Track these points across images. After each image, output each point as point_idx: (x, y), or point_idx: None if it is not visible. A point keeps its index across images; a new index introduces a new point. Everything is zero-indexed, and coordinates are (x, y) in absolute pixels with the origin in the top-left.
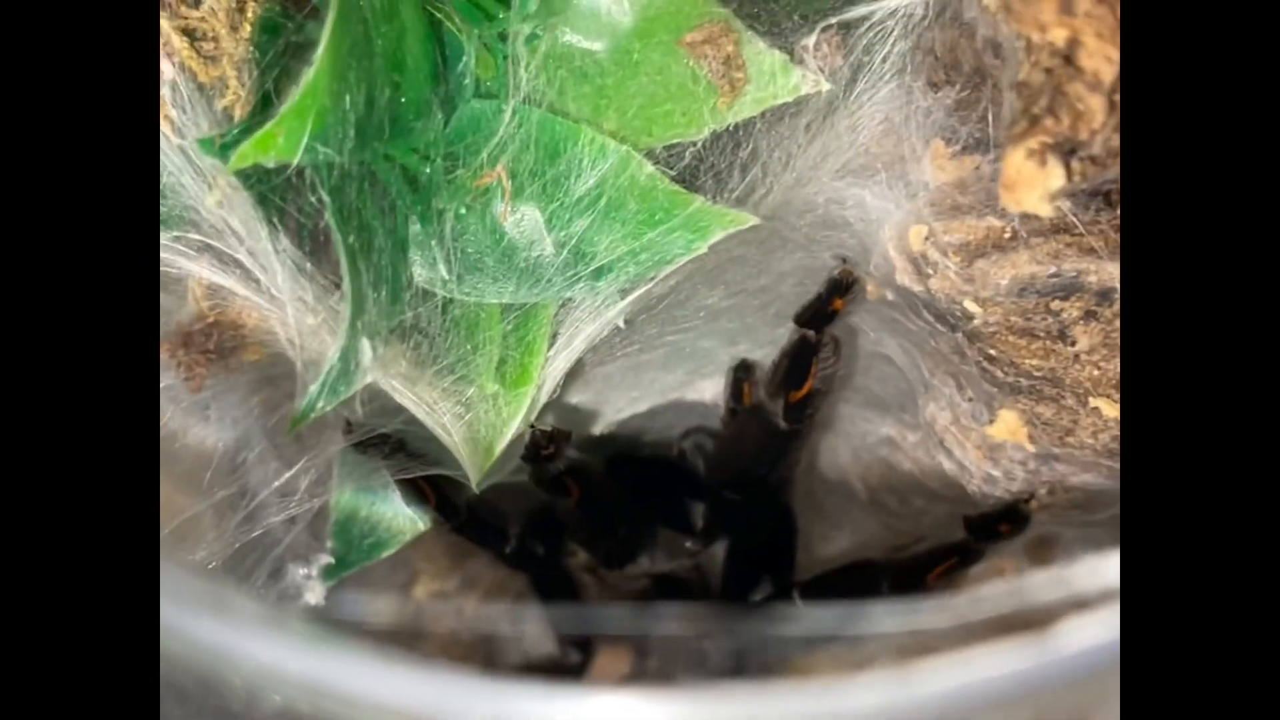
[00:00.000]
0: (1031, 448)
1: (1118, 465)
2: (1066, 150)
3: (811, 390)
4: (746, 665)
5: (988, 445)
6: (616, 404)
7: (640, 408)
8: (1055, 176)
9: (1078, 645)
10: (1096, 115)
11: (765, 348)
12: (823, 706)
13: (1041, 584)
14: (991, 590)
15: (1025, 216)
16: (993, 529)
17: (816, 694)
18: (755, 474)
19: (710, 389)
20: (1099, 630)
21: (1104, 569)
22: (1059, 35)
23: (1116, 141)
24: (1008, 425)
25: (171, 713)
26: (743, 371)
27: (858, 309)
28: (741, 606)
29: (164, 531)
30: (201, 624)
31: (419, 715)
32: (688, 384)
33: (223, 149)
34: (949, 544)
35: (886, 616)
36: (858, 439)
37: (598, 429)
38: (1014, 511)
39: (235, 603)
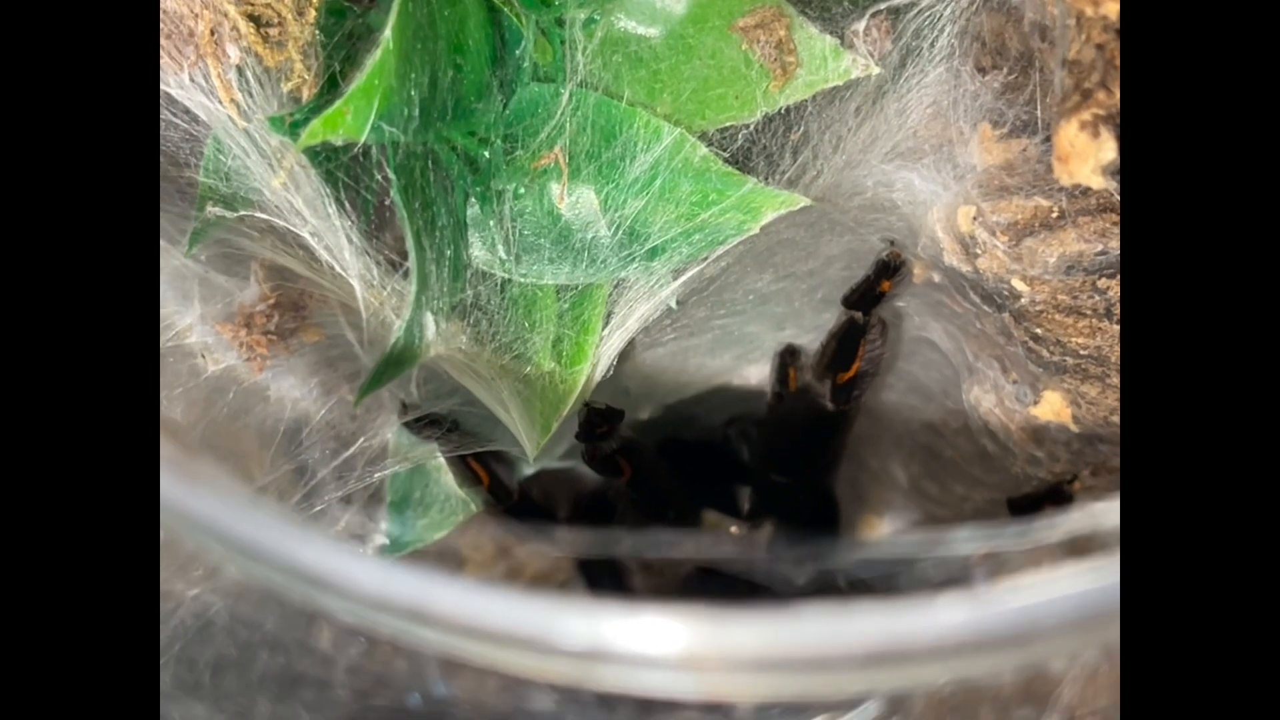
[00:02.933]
0: (1075, 428)
1: None
2: (1119, 122)
3: (859, 372)
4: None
5: (1031, 427)
6: (664, 389)
7: (687, 393)
8: (1108, 149)
9: None
10: None
11: (811, 333)
12: (899, 626)
13: (1115, 509)
14: (1067, 515)
15: (1073, 195)
16: (1036, 510)
17: (893, 613)
18: (803, 456)
19: (755, 374)
20: None
21: None
22: (1112, 8)
23: None
24: (1052, 406)
25: (267, 661)
26: (789, 356)
27: (904, 292)
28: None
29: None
30: (303, 550)
31: (509, 636)
32: (734, 370)
33: (293, 127)
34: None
35: (966, 541)
36: (899, 425)
37: (645, 414)
38: (1057, 493)
39: (332, 535)
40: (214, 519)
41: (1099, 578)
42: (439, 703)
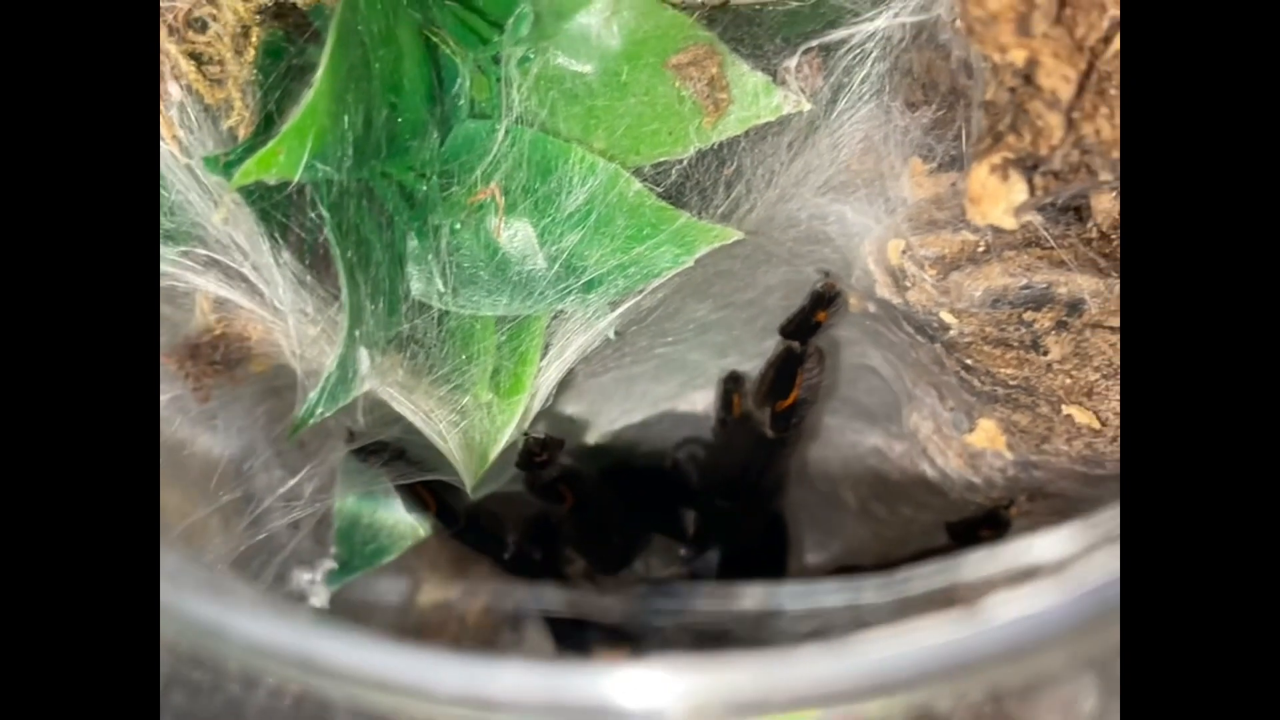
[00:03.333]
0: (1010, 455)
1: (1093, 472)
2: (1029, 165)
3: (797, 400)
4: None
5: (968, 453)
6: (610, 415)
7: (633, 418)
8: (1018, 190)
9: (1010, 615)
10: (1055, 132)
11: (754, 360)
12: (769, 675)
13: (978, 560)
14: (930, 566)
15: (997, 230)
16: (974, 534)
17: (764, 663)
18: (745, 482)
19: (702, 400)
20: (1031, 602)
21: (1035, 545)
22: (1018, 56)
23: (1076, 156)
24: (987, 433)
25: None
26: (732, 383)
27: (842, 321)
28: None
29: (172, 535)
30: (197, 605)
31: (406, 689)
32: (679, 395)
33: (227, 167)
34: (932, 549)
35: (831, 593)
36: (847, 449)
37: (592, 439)
38: (994, 517)
39: (230, 585)
40: None
41: (956, 628)
42: None
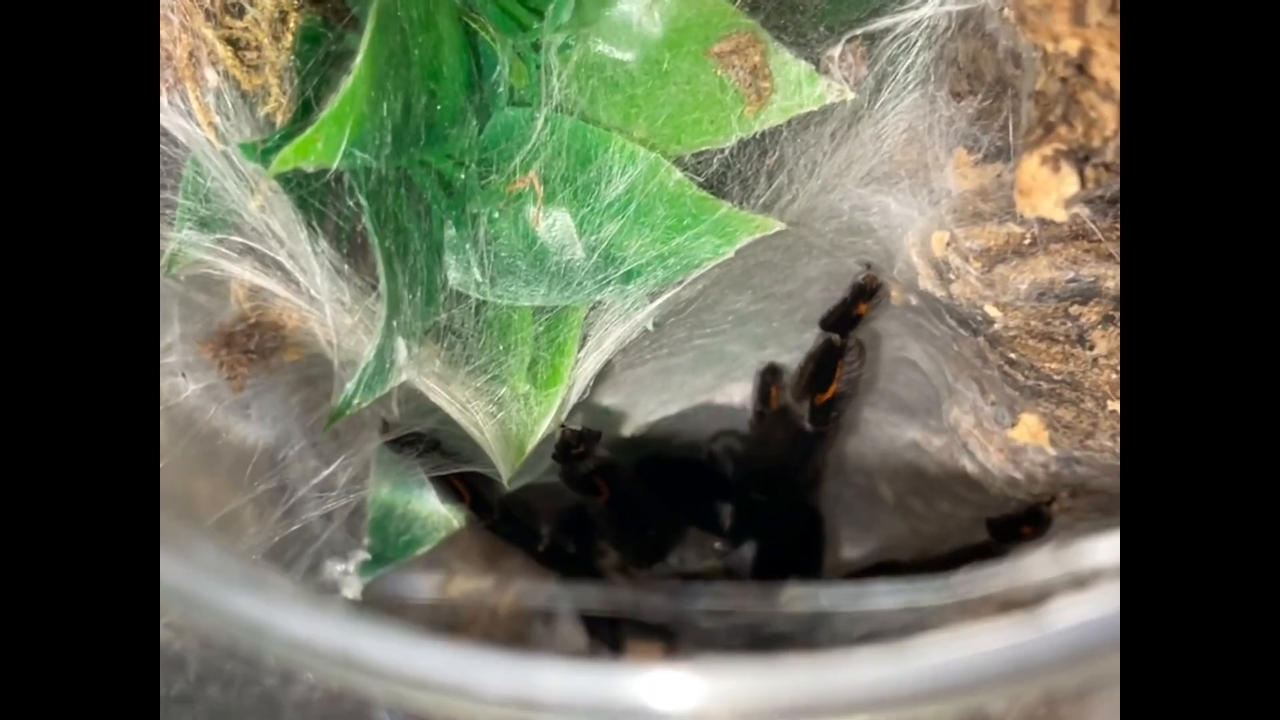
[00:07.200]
0: (1053, 450)
1: None
2: (1080, 157)
3: (836, 393)
4: (757, 643)
5: (1010, 448)
6: (646, 406)
7: (670, 410)
8: (1069, 183)
9: (1070, 621)
10: (1109, 123)
11: (792, 352)
12: (825, 680)
13: (1037, 563)
14: (989, 569)
15: (1044, 222)
16: (1015, 531)
17: (819, 667)
18: (782, 475)
19: (739, 392)
20: (1092, 607)
21: (1097, 549)
22: (1072, 45)
23: None
24: (1029, 428)
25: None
26: (770, 375)
27: (882, 314)
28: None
29: (206, 525)
30: (238, 599)
31: (448, 689)
32: (716, 387)
33: (264, 154)
34: (972, 545)
35: (887, 595)
36: (884, 443)
37: (628, 431)
38: (1036, 514)
39: (271, 580)
40: None
41: (1018, 632)
42: None
